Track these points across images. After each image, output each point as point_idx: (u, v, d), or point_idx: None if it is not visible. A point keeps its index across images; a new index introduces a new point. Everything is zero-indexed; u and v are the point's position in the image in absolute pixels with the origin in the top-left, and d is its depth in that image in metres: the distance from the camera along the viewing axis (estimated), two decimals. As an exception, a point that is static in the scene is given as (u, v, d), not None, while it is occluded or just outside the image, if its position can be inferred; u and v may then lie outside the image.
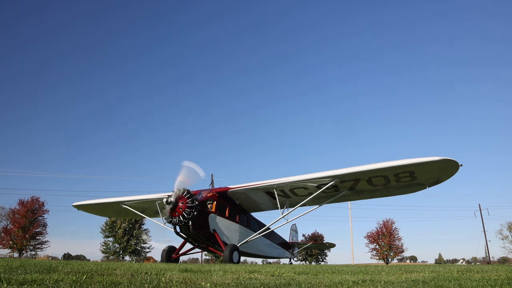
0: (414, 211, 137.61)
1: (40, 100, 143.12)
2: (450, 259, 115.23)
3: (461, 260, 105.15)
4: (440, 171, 15.35)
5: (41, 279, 5.16)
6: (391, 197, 19.19)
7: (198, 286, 5.04)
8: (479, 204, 70.45)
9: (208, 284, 5.20)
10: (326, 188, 16.73)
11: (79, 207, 23.29)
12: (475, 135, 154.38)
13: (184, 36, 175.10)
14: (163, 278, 5.83)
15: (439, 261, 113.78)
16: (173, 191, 16.16)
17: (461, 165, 14.72)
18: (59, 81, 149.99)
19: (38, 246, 54.99)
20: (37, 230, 54.06)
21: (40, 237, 55.10)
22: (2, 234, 54.04)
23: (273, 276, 7.33)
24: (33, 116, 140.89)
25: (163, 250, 17.93)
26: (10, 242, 52.24)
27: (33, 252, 54.64)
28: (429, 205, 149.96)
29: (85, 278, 5.51)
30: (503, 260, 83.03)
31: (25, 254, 52.54)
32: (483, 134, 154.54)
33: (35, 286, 4.47)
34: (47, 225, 55.94)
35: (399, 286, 5.93)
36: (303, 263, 61.10)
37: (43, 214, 55.46)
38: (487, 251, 69.28)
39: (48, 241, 55.99)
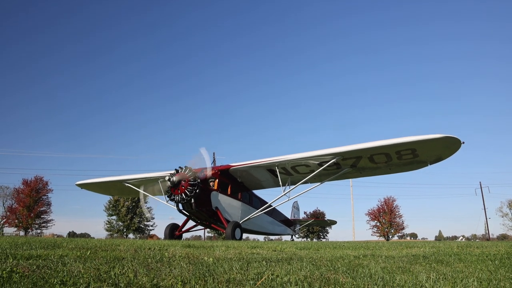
0: (415, 188, 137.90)
1: (42, 81, 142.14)
2: (450, 236, 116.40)
3: (461, 237, 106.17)
4: (442, 149, 15.34)
5: (46, 254, 5.23)
6: (392, 174, 19.30)
7: (201, 260, 5.10)
8: (480, 182, 70.72)
9: (211, 259, 5.26)
10: (328, 166, 16.77)
11: (83, 185, 23.48)
12: (477, 113, 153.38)
13: (182, 13, 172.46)
14: (166, 253, 5.89)
15: (439, 238, 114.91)
16: (175, 169, 16.25)
17: (463, 142, 14.69)
18: (59, 62, 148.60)
19: (43, 224, 55.85)
20: (41, 209, 54.78)
21: (45, 216, 55.93)
22: (8, 213, 54.81)
23: (275, 251, 7.42)
24: (35, 97, 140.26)
25: (166, 227, 18.13)
26: (16, 220, 53.02)
27: (39, 231, 55.50)
28: (430, 183, 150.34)
29: (89, 253, 5.58)
30: (503, 237, 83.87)
31: (30, 233, 53.34)
32: (486, 112, 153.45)
33: (40, 261, 4.52)
34: (51, 204, 56.81)
35: (400, 260, 5.99)
36: (304, 240, 61.87)
37: (47, 193, 56.15)
38: (486, 228, 69.90)
39: (53, 220, 56.92)
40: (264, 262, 5.12)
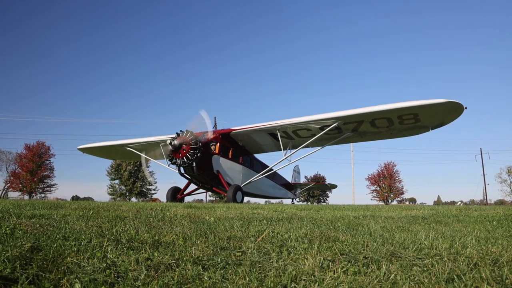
0: (415, 154, 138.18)
1: (44, 45, 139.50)
2: (449, 201, 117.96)
3: (459, 202, 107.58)
4: (445, 114, 15.21)
5: (49, 214, 5.29)
6: (393, 140, 19.30)
7: (202, 219, 5.15)
8: (480, 148, 70.89)
9: (212, 218, 5.31)
10: (329, 130, 16.71)
11: (84, 150, 23.54)
12: (480, 80, 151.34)
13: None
14: (167, 213, 5.96)
15: (438, 202, 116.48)
16: (176, 133, 16.22)
17: (466, 107, 14.55)
18: (64, 30, 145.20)
19: (47, 189, 56.70)
20: (44, 173, 55.42)
21: (48, 180, 56.72)
22: (11, 178, 55.48)
23: (275, 211, 7.51)
24: (37, 63, 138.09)
25: (168, 191, 18.32)
26: (20, 185, 53.75)
27: (43, 195, 56.41)
28: (431, 149, 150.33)
29: (92, 213, 5.64)
30: (500, 202, 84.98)
31: (35, 197, 54.16)
32: (488, 79, 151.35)
33: (43, 220, 4.56)
34: (54, 168, 57.44)
35: (399, 220, 6.06)
36: (305, 204, 62.78)
37: (49, 158, 56.64)
38: (485, 194, 70.70)
39: (56, 184, 57.77)
40: (264, 221, 5.18)
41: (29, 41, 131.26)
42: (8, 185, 56.20)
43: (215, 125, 55.50)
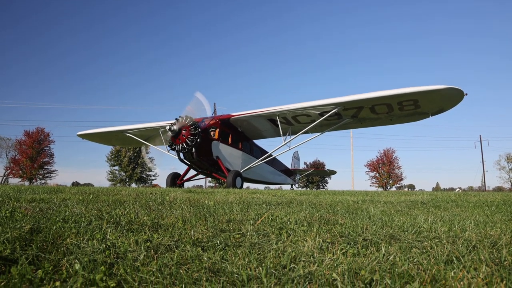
0: (415, 140, 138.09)
1: (42, 30, 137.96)
2: (447, 188, 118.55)
3: (458, 189, 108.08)
4: (445, 100, 15.12)
5: (49, 198, 5.30)
6: (392, 126, 19.25)
7: (201, 203, 5.16)
8: (479, 135, 70.88)
9: (212, 202, 5.32)
10: (329, 116, 16.64)
11: (84, 136, 23.47)
12: (480, 67, 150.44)
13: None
14: (167, 197, 5.97)
15: (437, 189, 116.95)
16: (175, 119, 16.16)
17: (466, 94, 14.46)
18: (60, 8, 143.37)
19: (47, 175, 56.81)
20: (44, 160, 55.51)
21: (48, 167, 56.82)
22: (11, 164, 55.56)
23: (275, 196, 7.53)
24: (35, 47, 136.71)
25: (168, 176, 18.32)
26: (20, 171, 53.85)
27: (43, 181, 56.54)
28: (430, 135, 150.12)
29: (92, 197, 5.65)
30: (498, 189, 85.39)
31: (35, 183, 54.29)
32: (488, 65, 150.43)
33: (43, 204, 4.57)
34: (54, 155, 57.52)
35: (399, 205, 6.08)
36: (304, 189, 63.00)
37: (49, 144, 56.67)
38: (483, 180, 70.97)
39: (56, 170, 57.88)
40: (264, 205, 5.19)
41: (30, 35, 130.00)
42: (8, 171, 56.31)
43: (214, 111, 55.62)
